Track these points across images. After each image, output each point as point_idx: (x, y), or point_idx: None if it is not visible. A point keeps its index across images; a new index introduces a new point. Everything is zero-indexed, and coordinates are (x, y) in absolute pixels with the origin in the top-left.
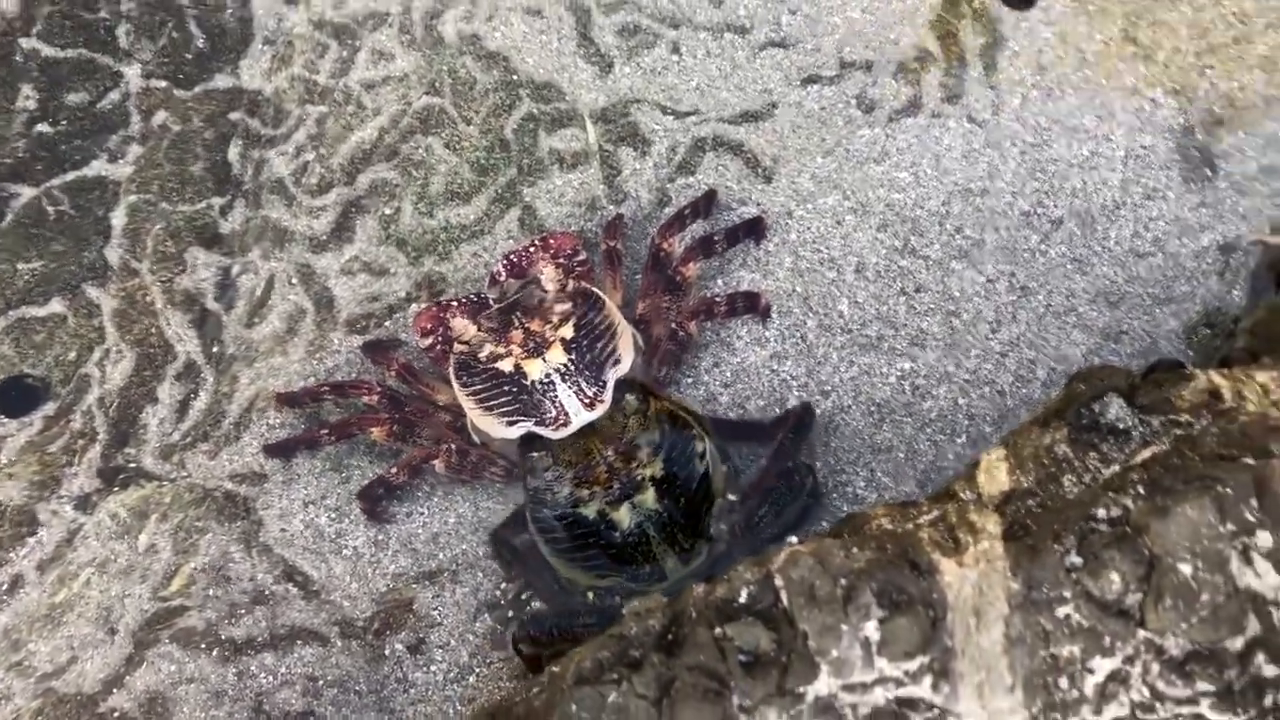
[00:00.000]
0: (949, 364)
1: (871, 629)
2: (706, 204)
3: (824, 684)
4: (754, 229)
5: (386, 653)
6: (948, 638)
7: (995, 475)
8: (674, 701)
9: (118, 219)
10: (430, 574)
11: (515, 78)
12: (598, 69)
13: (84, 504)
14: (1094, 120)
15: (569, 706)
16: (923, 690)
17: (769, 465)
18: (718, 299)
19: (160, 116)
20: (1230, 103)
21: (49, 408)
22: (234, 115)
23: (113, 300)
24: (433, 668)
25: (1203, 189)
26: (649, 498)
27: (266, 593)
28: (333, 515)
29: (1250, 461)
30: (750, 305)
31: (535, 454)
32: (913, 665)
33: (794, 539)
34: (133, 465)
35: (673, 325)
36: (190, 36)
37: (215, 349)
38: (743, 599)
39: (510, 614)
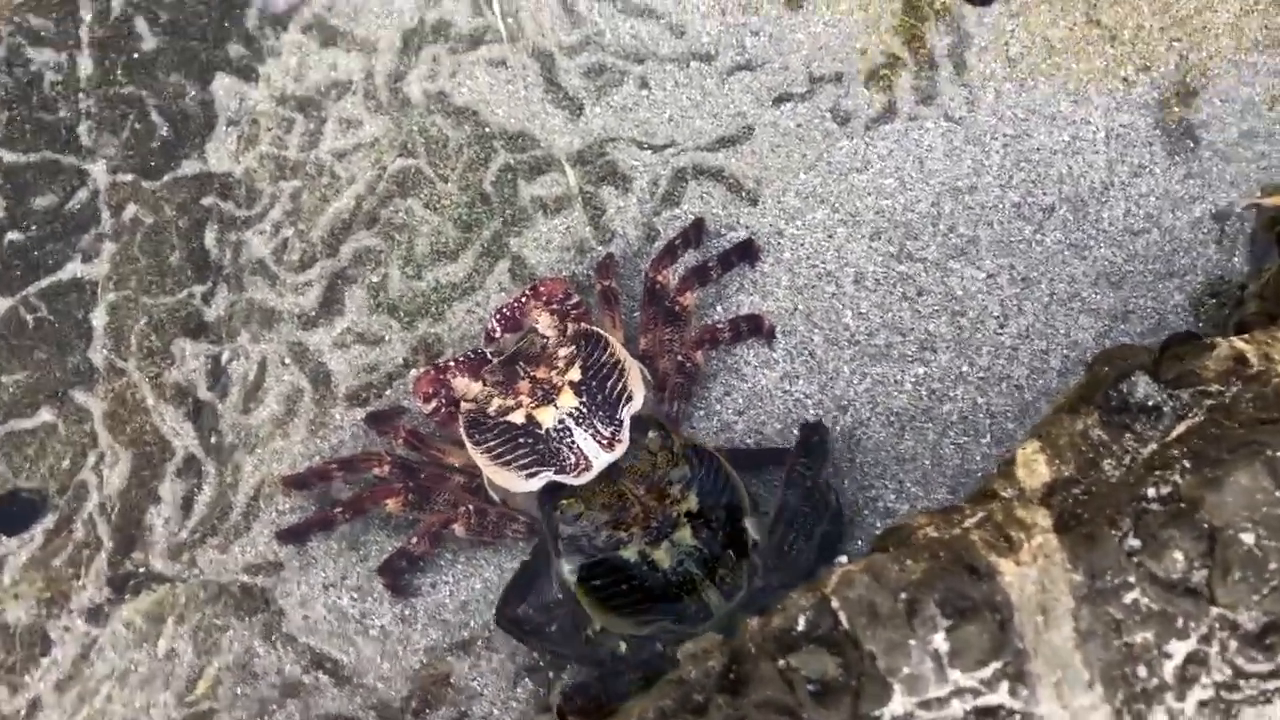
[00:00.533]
0: (962, 364)
1: (940, 640)
2: (696, 233)
3: (899, 704)
4: (746, 251)
5: None
6: (1018, 640)
7: (1034, 468)
8: None
9: (98, 319)
10: (464, 644)
11: (487, 130)
12: (568, 112)
13: (96, 616)
14: (1070, 105)
15: None
16: (1000, 696)
17: (785, 490)
18: (720, 326)
19: (131, 210)
20: (1201, 73)
21: (49, 520)
22: (206, 200)
23: (102, 403)
24: None
25: (1188, 160)
26: (686, 534)
27: (297, 684)
28: (355, 596)
29: None
30: (754, 328)
31: (565, 502)
32: (987, 672)
33: (844, 559)
34: (142, 570)
35: (679, 357)
36: (153, 127)
37: (214, 440)
38: (801, 627)
39: (551, 675)
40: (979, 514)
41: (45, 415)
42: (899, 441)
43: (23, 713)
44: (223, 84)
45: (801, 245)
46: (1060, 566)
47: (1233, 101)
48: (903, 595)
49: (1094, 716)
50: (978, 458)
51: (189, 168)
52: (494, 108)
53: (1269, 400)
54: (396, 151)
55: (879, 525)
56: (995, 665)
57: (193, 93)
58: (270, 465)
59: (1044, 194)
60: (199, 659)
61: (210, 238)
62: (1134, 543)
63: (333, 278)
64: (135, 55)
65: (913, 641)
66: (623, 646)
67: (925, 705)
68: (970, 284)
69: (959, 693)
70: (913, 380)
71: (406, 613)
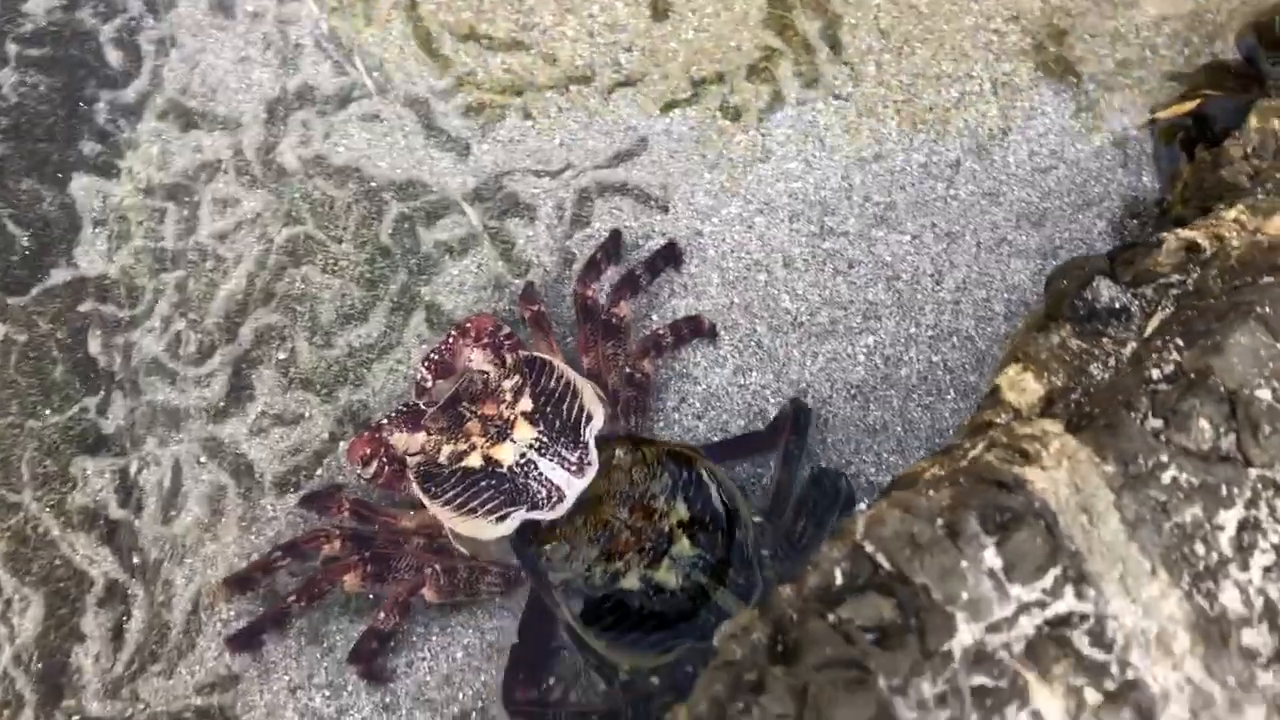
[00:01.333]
0: (909, 326)
1: (992, 556)
2: (614, 245)
3: (966, 633)
4: (670, 255)
5: None
6: (1069, 542)
7: (1024, 387)
8: (818, 708)
9: None
10: None
11: (374, 184)
12: (455, 154)
13: None
14: (952, 64)
15: None
16: (1068, 603)
17: (782, 475)
18: (661, 332)
19: (0, 331)
20: (1066, 13)
21: None
22: (84, 307)
23: None
24: None
25: (1075, 95)
26: (685, 545)
27: None
28: (327, 694)
29: (1271, 279)
30: (695, 329)
31: (548, 546)
32: (1048, 580)
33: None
34: (76, 718)
35: (626, 370)
36: (11, 238)
37: (136, 559)
38: (839, 580)
39: None
40: (980, 443)
41: None
42: (865, 414)
43: None
44: (81, 184)
45: (723, 241)
46: (1088, 463)
47: (1100, 35)
48: (939, 521)
49: (1165, 604)
50: (946, 414)
51: (58, 275)
52: (376, 161)
53: (1235, 270)
54: (281, 222)
55: (865, 502)
56: (1054, 571)
57: (49, 197)
58: (204, 573)
59: (947, 150)
60: None
61: (95, 345)
62: (1155, 423)
63: (236, 363)
64: None
65: (964, 563)
66: (654, 681)
67: (994, 629)
68: (897, 248)
69: (1025, 608)
70: (864, 351)
71: (387, 700)
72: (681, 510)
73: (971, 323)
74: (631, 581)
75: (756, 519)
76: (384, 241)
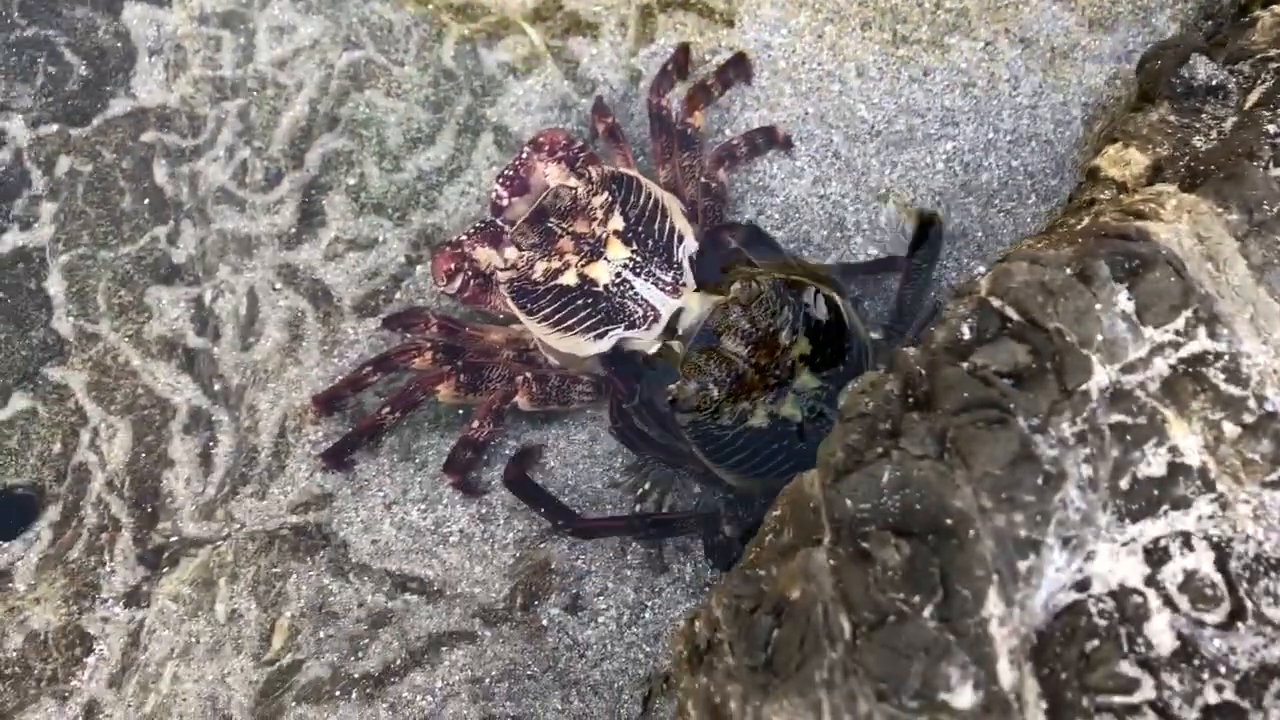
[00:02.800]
0: (987, 132)
1: (1124, 300)
2: (683, 59)
3: (1101, 374)
4: (740, 67)
5: (544, 623)
6: (1199, 286)
7: (1130, 159)
8: (959, 448)
9: (55, 286)
10: None
11: (431, 6)
12: None
13: (135, 599)
14: None
15: (843, 503)
16: (1202, 343)
17: (906, 290)
18: (735, 142)
19: (64, 163)
20: None
21: (52, 513)
22: (146, 137)
23: (82, 374)
24: (600, 619)
25: None
26: (808, 379)
27: (384, 612)
28: (423, 507)
29: None
30: (770, 139)
31: (674, 386)
32: (1180, 321)
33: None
34: (174, 539)
35: (702, 179)
36: (68, 68)
37: (217, 386)
38: (966, 335)
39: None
40: (1085, 217)
41: (20, 402)
42: (946, 221)
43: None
44: (134, 12)
45: (793, 52)
46: (1210, 214)
47: None
48: (1066, 269)
49: None
50: (1028, 219)
51: (118, 106)
52: None
53: None
54: (341, 47)
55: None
56: (1187, 313)
57: (104, 25)
58: (289, 396)
59: None
60: (266, 613)
61: (161, 175)
62: (1278, 171)
63: (305, 189)
64: None
65: (1098, 305)
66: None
67: (1129, 369)
68: (971, 55)
69: (1159, 349)
70: (944, 158)
71: (483, 511)
72: (804, 345)
73: (1050, 126)
74: (759, 419)
75: (875, 336)
76: (447, 64)
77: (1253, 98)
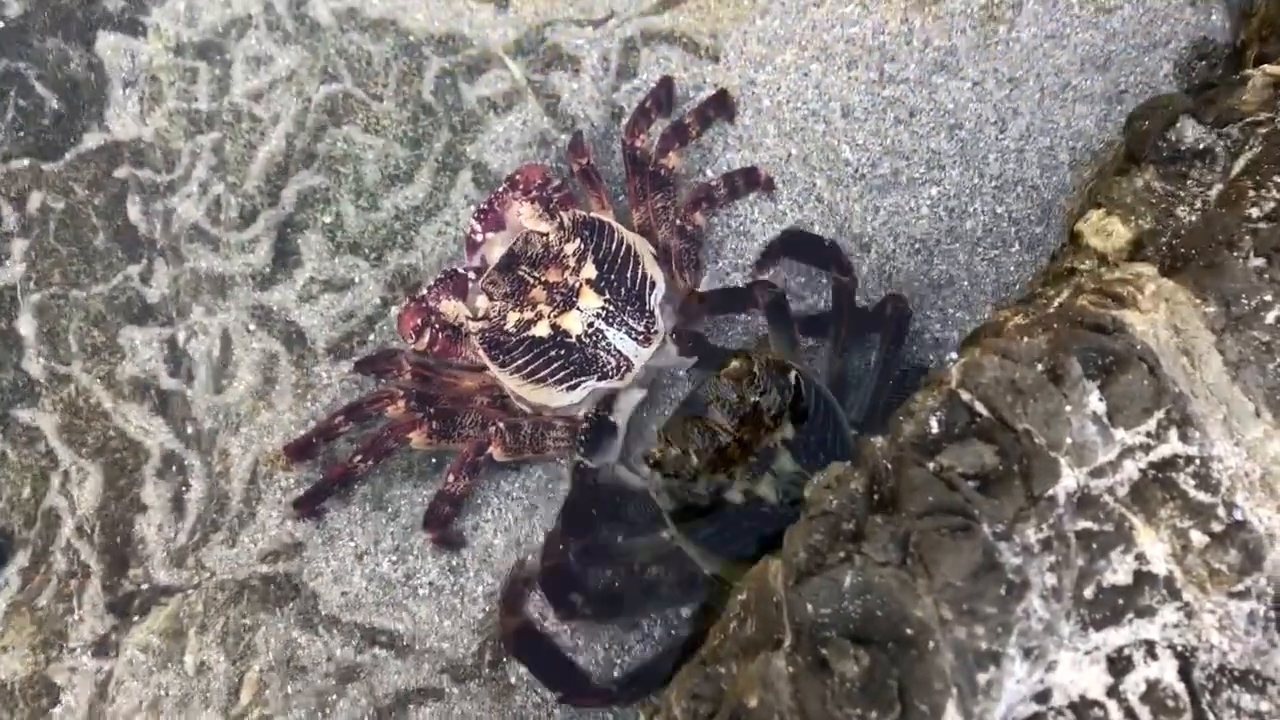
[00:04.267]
0: (972, 176)
1: (1096, 401)
2: (664, 93)
3: (1070, 478)
4: (721, 104)
5: (513, 680)
6: (1172, 385)
7: (1110, 231)
8: (922, 556)
9: (26, 326)
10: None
11: (412, 39)
12: (495, 4)
13: (104, 648)
14: None
15: (804, 607)
16: (1173, 446)
17: (879, 382)
18: (714, 184)
19: (36, 199)
20: None
21: (21, 558)
22: (119, 172)
23: (52, 416)
24: None
25: None
26: (787, 462)
27: (353, 667)
28: (394, 558)
29: None
30: (750, 182)
31: (655, 450)
32: (1152, 424)
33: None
34: (144, 586)
35: (677, 223)
36: (40, 101)
37: (190, 430)
38: (934, 429)
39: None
40: (1065, 290)
41: None
42: (930, 268)
43: None
44: (108, 42)
45: (778, 90)
46: (1188, 304)
47: None
48: (1039, 366)
49: (1270, 446)
50: (1012, 267)
51: (91, 140)
52: (412, 14)
53: None
54: (318, 79)
55: (931, 358)
56: (1159, 415)
57: (76, 57)
58: (261, 442)
59: None
60: (235, 666)
61: (134, 211)
62: (1258, 262)
63: (280, 227)
64: (1, 25)
65: (1068, 408)
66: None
67: (1098, 473)
68: (959, 95)
69: (1129, 451)
70: (928, 203)
71: (454, 563)
72: (788, 430)
73: (1036, 171)
74: (735, 495)
75: (854, 434)
76: (426, 98)
77: (1239, 165)
